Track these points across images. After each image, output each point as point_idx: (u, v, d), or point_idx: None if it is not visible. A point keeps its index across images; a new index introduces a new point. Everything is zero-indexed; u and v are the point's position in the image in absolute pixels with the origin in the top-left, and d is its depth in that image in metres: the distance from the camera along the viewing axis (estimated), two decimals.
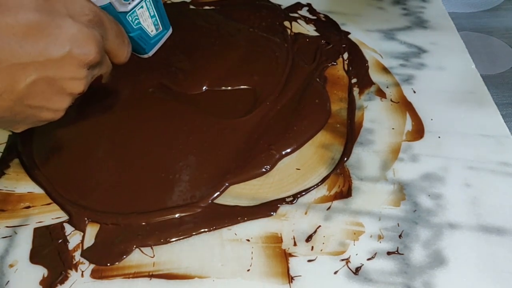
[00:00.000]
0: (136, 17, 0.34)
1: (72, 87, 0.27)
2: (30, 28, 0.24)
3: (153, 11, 0.35)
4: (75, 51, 0.26)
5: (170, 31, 0.38)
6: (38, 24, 0.24)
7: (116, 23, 0.30)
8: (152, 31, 0.36)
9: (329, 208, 0.34)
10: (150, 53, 0.37)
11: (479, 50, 0.51)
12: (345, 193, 0.35)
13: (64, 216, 0.34)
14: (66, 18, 0.26)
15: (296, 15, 0.52)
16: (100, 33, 0.28)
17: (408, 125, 0.40)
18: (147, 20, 0.35)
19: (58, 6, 0.26)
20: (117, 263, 0.31)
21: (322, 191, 0.35)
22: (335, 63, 0.46)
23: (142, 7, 0.34)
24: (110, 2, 0.31)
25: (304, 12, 0.53)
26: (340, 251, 0.32)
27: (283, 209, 0.34)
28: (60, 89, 0.27)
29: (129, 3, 0.32)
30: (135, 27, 0.34)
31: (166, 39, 0.38)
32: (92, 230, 0.33)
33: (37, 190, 0.36)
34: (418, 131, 0.40)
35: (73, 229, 0.33)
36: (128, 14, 0.33)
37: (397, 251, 0.32)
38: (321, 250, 0.32)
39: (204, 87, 0.43)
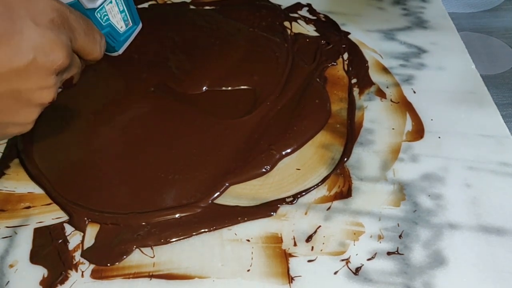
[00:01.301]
0: (105, 13, 0.32)
1: (41, 97, 0.25)
2: None
3: (122, 5, 0.33)
4: (40, 58, 0.23)
5: (140, 26, 0.36)
6: None
7: (84, 19, 0.28)
8: (121, 27, 0.34)
9: (329, 208, 0.34)
10: (120, 51, 0.35)
11: (479, 50, 0.51)
12: (345, 193, 0.35)
13: (64, 216, 0.34)
14: (27, 22, 0.23)
15: (296, 15, 0.52)
16: (66, 34, 0.25)
17: (408, 125, 0.40)
18: (116, 16, 0.33)
19: (17, 9, 0.23)
20: (117, 263, 0.31)
21: (322, 191, 0.35)
22: (335, 63, 0.46)
23: (111, 2, 0.32)
24: (77, 0, 0.29)
25: (304, 12, 0.53)
26: (340, 251, 0.32)
27: (283, 209, 0.34)
28: (27, 101, 0.25)
29: None
30: (104, 24, 0.32)
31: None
32: (92, 230, 0.33)
33: (37, 190, 0.36)
34: (418, 131, 0.40)
35: (73, 229, 0.33)
36: (97, 10, 0.31)
37: (397, 251, 0.32)
38: (321, 250, 0.32)
39: (204, 87, 0.43)
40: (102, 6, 0.31)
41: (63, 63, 0.25)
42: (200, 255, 0.32)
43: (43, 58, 0.24)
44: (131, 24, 0.35)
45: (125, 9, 0.34)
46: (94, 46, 0.28)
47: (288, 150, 0.38)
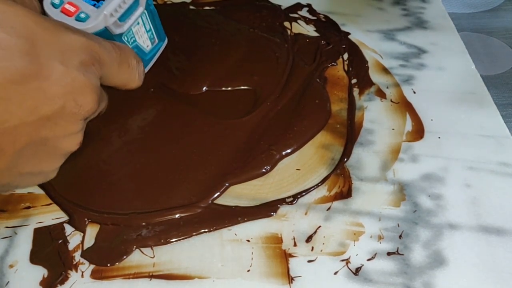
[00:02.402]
0: (132, 35, 0.30)
1: (67, 144, 0.23)
2: (15, 82, 0.19)
3: (149, 25, 0.32)
4: (69, 104, 0.21)
5: (166, 42, 0.35)
6: (25, 76, 0.20)
7: (116, 47, 0.25)
8: (147, 46, 0.33)
9: (329, 208, 0.34)
10: (146, 69, 0.34)
11: (479, 51, 0.51)
12: (345, 193, 0.35)
13: (64, 217, 0.34)
14: (55, 64, 0.21)
15: (296, 15, 0.52)
16: (96, 73, 0.23)
17: (408, 125, 0.40)
18: (143, 36, 0.32)
19: (45, 49, 0.20)
20: (117, 263, 0.31)
21: (322, 191, 0.35)
22: (335, 64, 0.46)
23: (138, 23, 0.31)
24: (105, 27, 0.28)
25: (304, 12, 0.53)
26: (340, 252, 0.32)
27: (283, 209, 0.34)
28: (53, 148, 0.23)
29: (125, 23, 0.29)
30: (130, 45, 0.31)
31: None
32: (92, 231, 0.33)
33: (37, 190, 0.36)
34: (418, 132, 0.40)
35: (73, 229, 0.33)
36: (124, 34, 0.30)
37: (397, 251, 0.32)
38: (321, 251, 0.32)
39: (204, 88, 0.43)
40: (129, 29, 0.30)
41: (92, 108, 0.23)
42: (200, 255, 0.32)
43: (72, 104, 0.21)
44: (156, 41, 0.34)
45: (152, 27, 0.33)
46: (130, 75, 0.26)
47: (288, 150, 0.38)
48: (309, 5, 0.54)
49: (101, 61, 0.23)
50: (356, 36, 0.49)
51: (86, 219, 0.33)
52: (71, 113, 0.22)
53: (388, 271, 0.31)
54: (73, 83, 0.21)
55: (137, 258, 0.32)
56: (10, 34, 0.19)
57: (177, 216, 0.34)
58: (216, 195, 0.35)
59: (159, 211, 0.34)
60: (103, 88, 0.27)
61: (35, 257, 0.32)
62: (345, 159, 0.37)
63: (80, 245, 0.32)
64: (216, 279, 0.30)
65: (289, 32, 0.50)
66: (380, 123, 0.40)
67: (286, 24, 0.51)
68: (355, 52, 0.48)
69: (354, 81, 0.44)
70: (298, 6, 0.54)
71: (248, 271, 0.31)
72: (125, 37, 0.30)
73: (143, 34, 0.32)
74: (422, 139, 0.39)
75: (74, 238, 0.33)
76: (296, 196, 0.35)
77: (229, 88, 0.43)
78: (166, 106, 0.41)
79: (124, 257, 0.31)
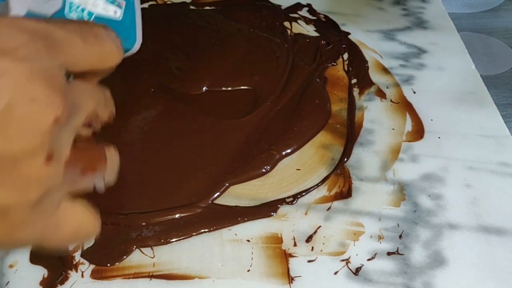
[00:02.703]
0: (79, 7, 0.24)
1: (29, 166, 0.16)
2: None
3: None
4: (19, 103, 0.15)
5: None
6: None
7: (69, 22, 0.19)
8: (115, 12, 0.25)
9: (329, 208, 0.34)
10: (139, 38, 0.27)
11: (479, 51, 0.51)
12: (345, 193, 0.35)
13: None
14: None
15: (296, 15, 0.52)
16: (54, 58, 0.17)
17: (408, 125, 0.40)
18: (98, 3, 0.25)
19: None
20: (117, 263, 0.31)
21: (322, 191, 0.35)
22: (335, 64, 0.46)
23: None
24: (29, 11, 0.21)
25: (304, 12, 0.53)
26: (340, 252, 0.32)
27: (283, 209, 0.34)
28: (13, 171, 0.16)
29: None
30: (89, 19, 0.24)
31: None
32: None
33: None
34: (418, 132, 0.40)
35: None
36: (66, 11, 0.23)
37: (397, 251, 0.32)
38: (321, 251, 0.32)
39: (204, 87, 0.43)
40: (66, 2, 0.23)
41: (54, 104, 0.16)
42: (200, 255, 0.32)
43: (23, 103, 0.15)
44: (123, 2, 0.26)
45: None
46: (103, 47, 0.20)
47: (288, 150, 0.38)
48: (309, 5, 0.54)
49: (57, 42, 0.18)
50: (356, 36, 0.49)
51: None
52: (24, 116, 0.16)
53: (388, 271, 0.31)
54: (17, 75, 0.16)
55: (137, 258, 0.32)
56: None
57: (177, 216, 0.34)
58: (216, 195, 0.35)
59: (159, 211, 0.34)
60: (98, 85, 0.23)
61: (35, 257, 0.32)
62: (345, 159, 0.37)
63: (80, 245, 0.32)
64: (216, 279, 0.30)
65: (289, 32, 0.50)
66: (380, 123, 0.40)
67: (286, 24, 0.51)
68: (355, 52, 0.48)
69: (354, 81, 0.44)
70: (298, 6, 0.54)
71: (248, 271, 0.31)
72: (72, 13, 0.24)
73: (95, 0, 0.24)
74: (422, 139, 0.39)
75: None
76: (296, 196, 0.35)
77: (229, 88, 0.43)
78: (166, 106, 0.41)
79: (124, 257, 0.31)
